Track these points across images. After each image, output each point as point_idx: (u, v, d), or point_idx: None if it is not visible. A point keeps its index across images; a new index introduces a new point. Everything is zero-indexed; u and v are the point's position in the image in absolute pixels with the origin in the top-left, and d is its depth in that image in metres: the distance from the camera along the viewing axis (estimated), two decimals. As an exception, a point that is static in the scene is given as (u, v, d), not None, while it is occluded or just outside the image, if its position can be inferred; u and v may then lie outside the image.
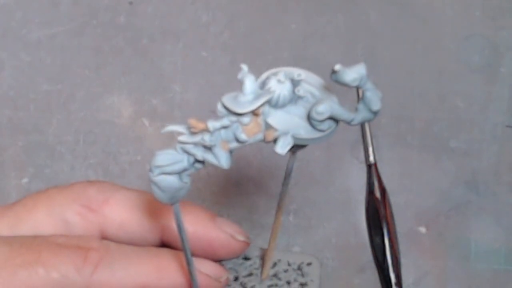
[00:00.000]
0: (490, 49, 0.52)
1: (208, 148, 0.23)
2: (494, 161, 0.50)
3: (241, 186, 0.46)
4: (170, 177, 0.23)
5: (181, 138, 0.23)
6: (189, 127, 0.22)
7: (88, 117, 0.46)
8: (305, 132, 0.23)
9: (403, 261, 0.45)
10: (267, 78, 0.23)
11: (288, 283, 0.32)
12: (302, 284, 0.32)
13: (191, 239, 0.28)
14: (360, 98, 0.23)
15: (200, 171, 0.47)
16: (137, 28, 0.48)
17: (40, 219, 0.29)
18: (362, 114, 0.23)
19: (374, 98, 0.23)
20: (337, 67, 0.22)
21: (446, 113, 0.50)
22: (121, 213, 0.30)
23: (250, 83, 0.22)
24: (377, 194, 0.45)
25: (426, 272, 0.47)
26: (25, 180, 0.44)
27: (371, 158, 0.46)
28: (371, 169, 0.46)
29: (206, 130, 0.22)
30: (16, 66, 0.46)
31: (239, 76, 0.23)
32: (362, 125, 0.49)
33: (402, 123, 0.49)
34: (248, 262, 0.33)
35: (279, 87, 0.23)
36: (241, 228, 0.31)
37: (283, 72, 0.23)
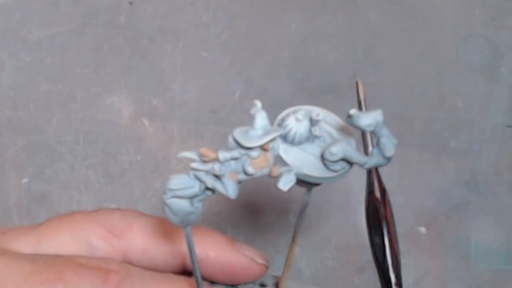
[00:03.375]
0: (490, 49, 0.52)
1: (218, 177, 0.23)
2: (494, 161, 0.50)
3: (241, 186, 0.46)
4: (182, 201, 0.24)
5: (193, 165, 0.23)
6: (200, 155, 0.23)
7: (88, 117, 0.46)
8: (317, 171, 0.24)
9: (403, 261, 0.45)
10: (287, 115, 0.24)
11: None
12: None
13: (213, 264, 0.30)
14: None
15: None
16: (137, 28, 0.48)
17: (64, 240, 0.30)
18: (375, 159, 0.24)
19: (388, 145, 0.23)
20: (352, 111, 0.23)
21: (446, 113, 0.50)
22: (144, 239, 0.31)
23: (260, 119, 0.23)
24: (377, 194, 0.45)
25: (426, 272, 0.47)
26: (25, 180, 0.44)
27: (371, 158, 0.46)
28: (371, 169, 0.46)
29: (217, 159, 0.23)
30: (16, 66, 0.46)
31: (252, 111, 0.24)
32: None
33: (402, 123, 0.49)
34: None
35: (296, 124, 0.24)
36: (260, 252, 0.32)
37: (303, 110, 0.24)
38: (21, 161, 0.44)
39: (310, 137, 0.24)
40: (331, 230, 0.47)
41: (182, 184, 0.24)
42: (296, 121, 0.24)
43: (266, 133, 0.23)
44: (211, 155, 0.23)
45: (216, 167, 0.23)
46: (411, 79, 0.51)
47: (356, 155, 0.23)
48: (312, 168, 0.24)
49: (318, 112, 0.24)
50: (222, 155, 0.23)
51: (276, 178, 0.24)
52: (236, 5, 0.49)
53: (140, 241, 0.30)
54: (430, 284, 0.46)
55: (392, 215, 0.45)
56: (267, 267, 0.32)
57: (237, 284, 0.32)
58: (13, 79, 0.45)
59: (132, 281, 0.28)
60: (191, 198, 0.24)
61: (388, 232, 0.44)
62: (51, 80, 0.46)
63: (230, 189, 0.24)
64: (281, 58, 0.49)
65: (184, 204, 0.24)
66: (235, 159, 0.23)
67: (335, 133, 0.24)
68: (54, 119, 0.45)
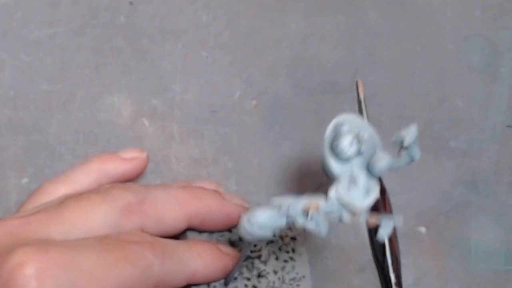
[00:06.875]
0: (490, 49, 0.52)
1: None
2: (494, 161, 0.50)
3: (241, 186, 0.46)
4: (264, 231, 0.27)
5: (312, 212, 0.27)
6: (304, 210, 0.26)
7: (88, 117, 0.46)
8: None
9: (403, 261, 0.45)
10: (337, 134, 0.27)
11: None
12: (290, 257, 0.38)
13: (214, 216, 0.36)
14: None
15: (201, 172, 0.47)
16: (137, 28, 0.48)
17: (93, 224, 0.32)
18: (405, 160, 0.29)
19: (416, 150, 0.29)
20: (406, 142, 0.28)
21: (446, 113, 0.50)
22: (156, 210, 0.34)
23: (364, 178, 0.27)
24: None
25: (426, 272, 0.47)
26: (25, 180, 0.44)
27: (371, 158, 0.46)
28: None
29: (317, 210, 0.26)
30: (16, 66, 0.46)
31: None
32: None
33: (402, 123, 0.49)
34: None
35: (350, 149, 0.28)
36: (241, 197, 0.39)
37: (347, 124, 0.28)
38: (21, 161, 0.44)
39: (358, 153, 0.28)
40: (331, 230, 0.47)
41: (270, 220, 0.26)
42: (350, 146, 0.28)
43: (368, 191, 0.27)
44: (313, 206, 0.26)
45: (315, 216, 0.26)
46: (411, 79, 0.51)
47: (397, 164, 0.28)
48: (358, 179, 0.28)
49: (364, 133, 0.28)
50: (324, 207, 0.26)
51: (372, 226, 0.27)
52: (236, 5, 0.49)
53: (153, 212, 0.34)
54: (430, 284, 0.46)
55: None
56: (247, 209, 0.37)
57: (231, 229, 0.38)
58: (13, 79, 0.45)
59: (170, 250, 0.32)
60: (274, 229, 0.26)
61: (388, 232, 0.44)
62: (51, 80, 0.46)
63: (323, 229, 0.27)
64: (281, 58, 0.49)
65: (265, 234, 0.26)
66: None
67: (375, 148, 0.29)
68: (54, 119, 0.45)
